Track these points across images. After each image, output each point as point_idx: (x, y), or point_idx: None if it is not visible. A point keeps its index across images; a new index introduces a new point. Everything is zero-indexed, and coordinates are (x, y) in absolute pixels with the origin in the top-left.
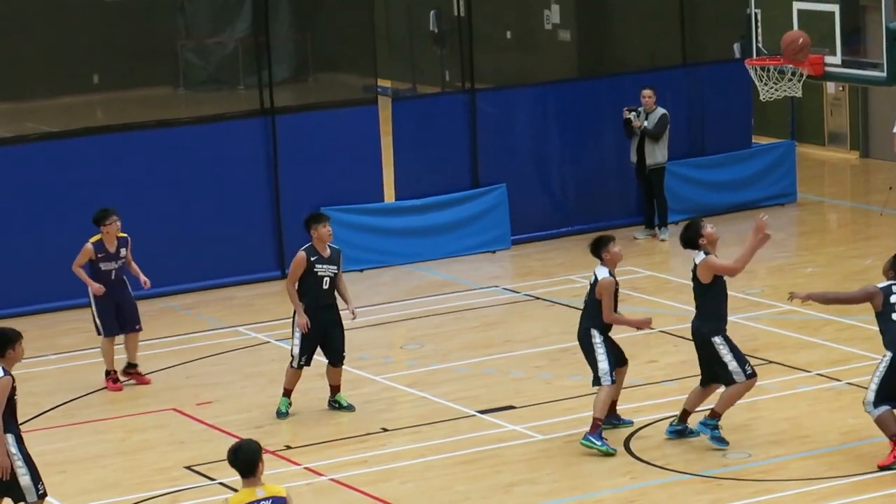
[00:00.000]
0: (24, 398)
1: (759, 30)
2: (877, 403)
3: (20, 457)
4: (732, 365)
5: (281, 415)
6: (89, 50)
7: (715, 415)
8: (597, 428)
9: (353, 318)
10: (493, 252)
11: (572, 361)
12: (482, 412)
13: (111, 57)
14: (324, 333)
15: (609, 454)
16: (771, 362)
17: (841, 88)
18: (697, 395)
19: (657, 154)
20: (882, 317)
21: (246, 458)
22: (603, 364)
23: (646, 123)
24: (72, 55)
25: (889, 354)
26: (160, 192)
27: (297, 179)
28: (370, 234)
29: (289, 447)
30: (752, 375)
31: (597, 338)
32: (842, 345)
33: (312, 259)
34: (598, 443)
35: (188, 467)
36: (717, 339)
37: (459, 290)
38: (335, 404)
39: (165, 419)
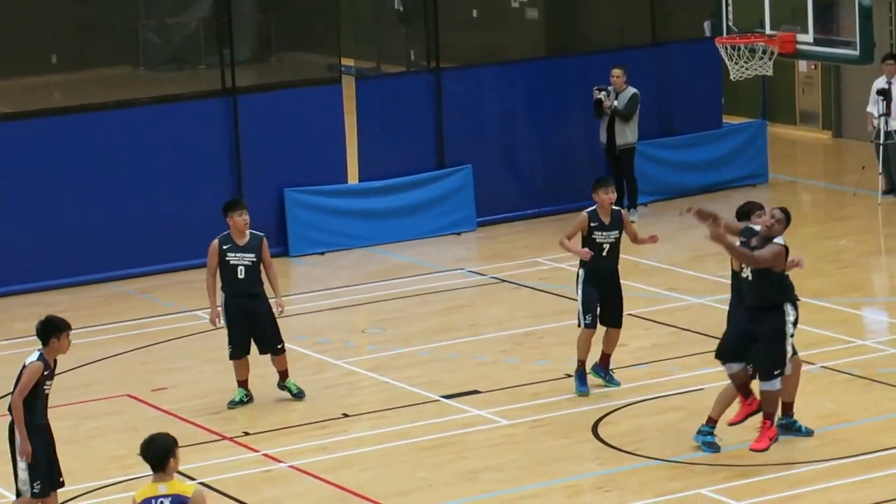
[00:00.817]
0: None
1: (730, 8)
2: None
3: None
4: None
5: (233, 404)
6: (47, 30)
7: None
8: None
9: (280, 312)
10: (459, 234)
11: (538, 345)
12: (446, 397)
13: (70, 37)
14: (251, 324)
15: (581, 394)
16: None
17: (813, 67)
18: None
19: (627, 134)
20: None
21: (155, 452)
22: (578, 305)
23: (615, 103)
24: (29, 35)
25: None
26: (120, 173)
27: (260, 160)
28: (333, 215)
29: (247, 433)
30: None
31: (579, 278)
32: (816, 328)
33: (225, 247)
34: (577, 383)
35: None
36: None
37: (423, 272)
38: (284, 389)
39: (119, 405)
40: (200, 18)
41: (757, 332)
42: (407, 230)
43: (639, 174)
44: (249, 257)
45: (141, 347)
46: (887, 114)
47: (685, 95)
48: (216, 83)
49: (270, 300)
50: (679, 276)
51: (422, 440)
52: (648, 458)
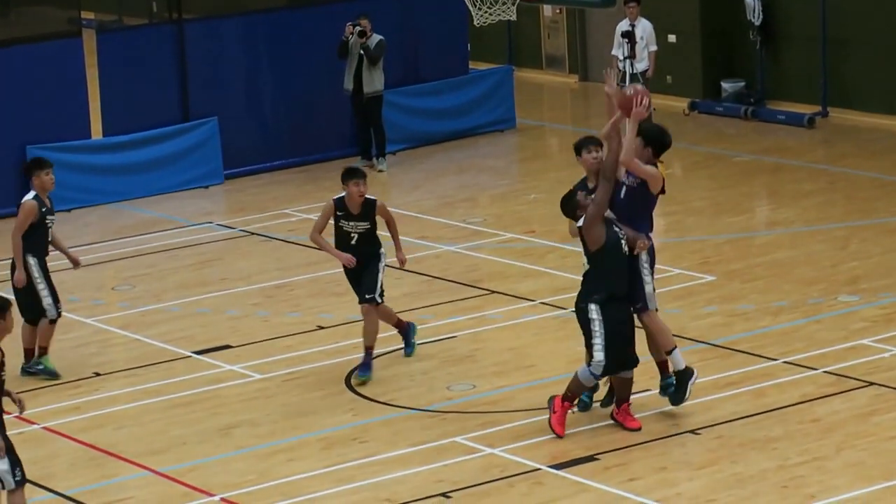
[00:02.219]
0: None
1: None
2: None
3: None
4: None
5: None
6: None
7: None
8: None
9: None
10: (206, 188)
11: (289, 298)
12: (198, 353)
13: None
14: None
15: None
16: (494, 292)
17: (558, 11)
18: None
19: (375, 81)
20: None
21: None
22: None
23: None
24: None
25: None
26: None
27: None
28: (77, 172)
29: None
30: None
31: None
32: (566, 272)
33: (43, 210)
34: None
35: None
36: None
37: (172, 227)
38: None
39: None
40: None
41: None
42: (154, 185)
43: (386, 122)
44: (53, 219)
45: None
46: (632, 56)
47: (430, 42)
48: None
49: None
50: (428, 223)
51: (175, 397)
52: (402, 407)
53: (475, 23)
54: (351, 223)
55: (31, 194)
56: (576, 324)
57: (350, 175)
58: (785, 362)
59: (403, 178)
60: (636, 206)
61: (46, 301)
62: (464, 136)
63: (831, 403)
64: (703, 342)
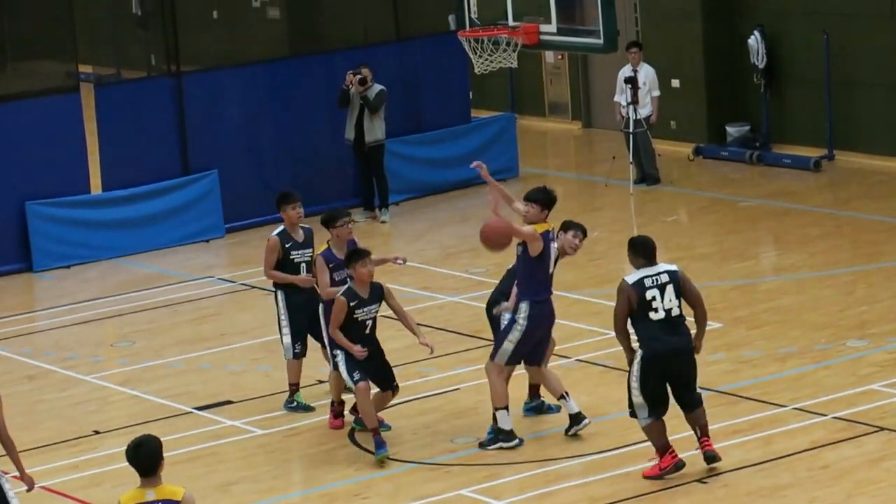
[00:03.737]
0: None
1: (472, 0)
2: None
3: None
4: None
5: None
6: None
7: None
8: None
9: None
10: (208, 241)
11: None
12: (199, 409)
13: None
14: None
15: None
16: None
17: (560, 57)
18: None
19: (377, 130)
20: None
21: (146, 458)
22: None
23: (363, 88)
24: None
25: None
26: None
27: None
28: (76, 227)
29: None
30: None
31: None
32: (570, 321)
33: (287, 246)
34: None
35: None
36: None
37: (172, 282)
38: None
39: None
40: None
41: None
42: (154, 239)
43: (388, 172)
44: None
45: None
46: (634, 102)
47: (432, 91)
48: None
49: None
50: (431, 274)
51: (175, 454)
52: (404, 461)
53: (476, 70)
54: (364, 309)
55: (279, 229)
56: (581, 373)
57: (356, 257)
58: (794, 409)
59: (406, 228)
60: (519, 270)
61: (286, 340)
62: (467, 186)
63: (841, 450)
64: (710, 389)
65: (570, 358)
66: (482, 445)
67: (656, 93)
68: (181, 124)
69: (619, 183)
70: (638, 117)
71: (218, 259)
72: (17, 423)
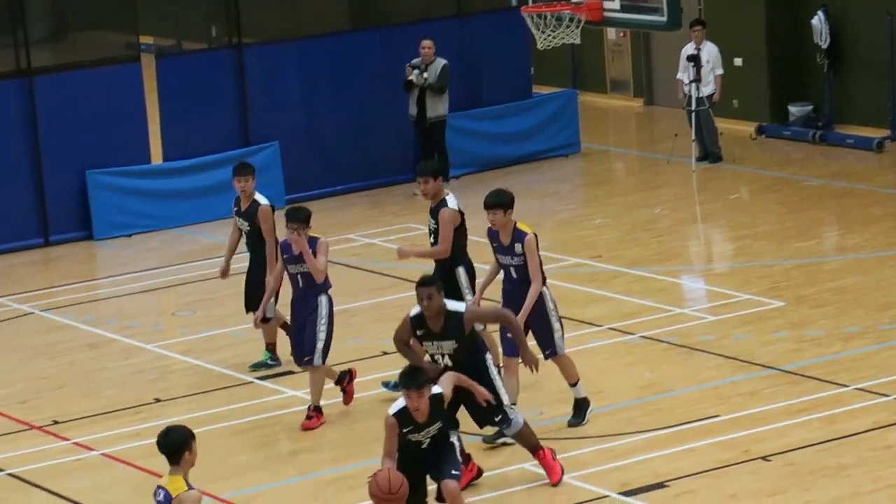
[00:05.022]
0: None
1: None
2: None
3: None
4: None
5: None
6: None
7: None
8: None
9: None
10: None
11: (350, 323)
12: (260, 379)
13: None
14: None
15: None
16: (559, 317)
17: (622, 35)
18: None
19: (439, 106)
20: None
21: (168, 445)
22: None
23: (426, 76)
24: None
25: None
26: None
27: (60, 142)
28: (137, 197)
29: (56, 422)
30: None
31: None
32: (634, 297)
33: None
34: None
35: None
36: None
37: None
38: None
39: None
40: None
41: None
42: (214, 210)
43: (449, 146)
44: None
45: None
46: (697, 80)
47: (493, 66)
48: (10, 64)
49: None
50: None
51: (236, 423)
52: (468, 433)
53: (538, 46)
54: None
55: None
56: (643, 348)
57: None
58: (856, 389)
59: (467, 202)
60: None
61: None
62: (527, 161)
63: None
64: (773, 368)
65: (634, 334)
66: (573, 423)
67: (719, 71)
68: (242, 96)
69: (681, 160)
70: (700, 95)
71: (278, 230)
72: (79, 390)
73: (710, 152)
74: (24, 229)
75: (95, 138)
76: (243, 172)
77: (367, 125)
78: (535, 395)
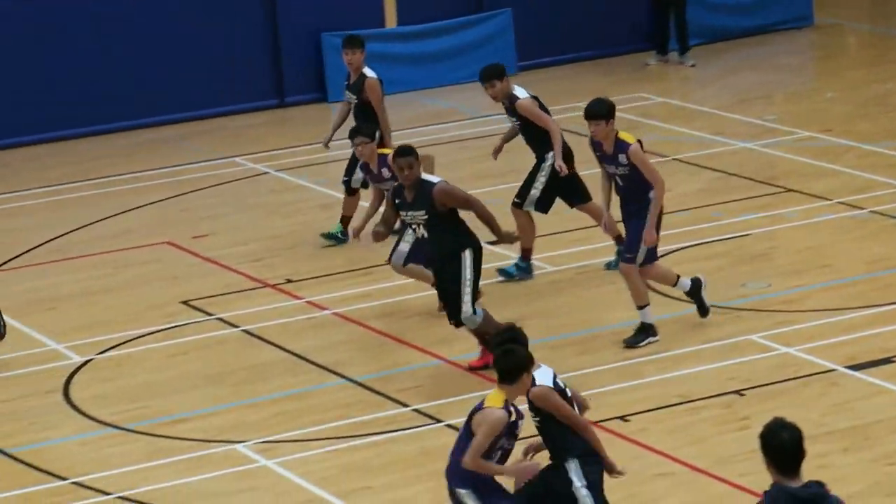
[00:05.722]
0: (12, 234)
1: None
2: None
3: None
4: None
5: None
6: None
7: None
8: None
9: None
10: None
11: None
12: (490, 243)
13: None
14: None
15: None
16: (790, 190)
17: None
18: None
19: None
20: None
21: (506, 366)
22: None
23: None
24: None
25: None
26: (153, 18)
27: (295, 4)
28: (370, 60)
29: (290, 280)
30: None
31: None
32: (864, 172)
33: None
34: None
35: (184, 302)
36: None
37: (462, 118)
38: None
39: (159, 253)
40: None
41: None
42: (447, 75)
43: None
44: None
45: (180, 195)
46: None
47: None
48: None
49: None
50: (724, 119)
51: None
52: (688, 302)
53: None
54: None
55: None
56: (872, 223)
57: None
58: None
59: (699, 72)
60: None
61: None
62: (760, 33)
63: None
64: None
65: (863, 209)
66: (629, 345)
67: None
68: None
69: None
70: None
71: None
72: (311, 250)
73: None
74: (261, 90)
75: (331, 1)
76: (351, 45)
77: None
78: (762, 266)
